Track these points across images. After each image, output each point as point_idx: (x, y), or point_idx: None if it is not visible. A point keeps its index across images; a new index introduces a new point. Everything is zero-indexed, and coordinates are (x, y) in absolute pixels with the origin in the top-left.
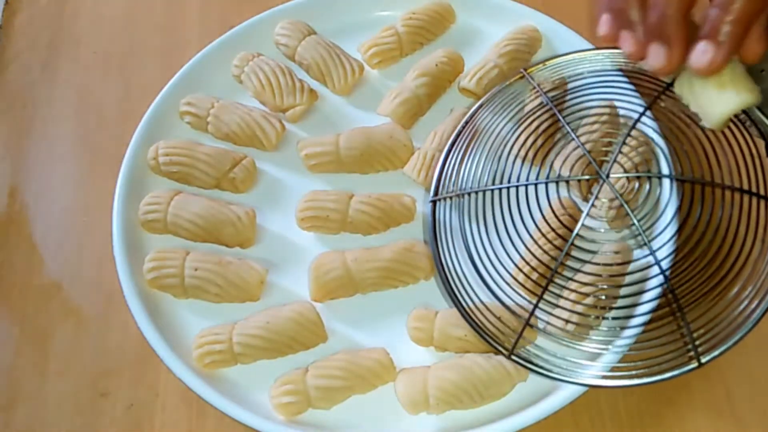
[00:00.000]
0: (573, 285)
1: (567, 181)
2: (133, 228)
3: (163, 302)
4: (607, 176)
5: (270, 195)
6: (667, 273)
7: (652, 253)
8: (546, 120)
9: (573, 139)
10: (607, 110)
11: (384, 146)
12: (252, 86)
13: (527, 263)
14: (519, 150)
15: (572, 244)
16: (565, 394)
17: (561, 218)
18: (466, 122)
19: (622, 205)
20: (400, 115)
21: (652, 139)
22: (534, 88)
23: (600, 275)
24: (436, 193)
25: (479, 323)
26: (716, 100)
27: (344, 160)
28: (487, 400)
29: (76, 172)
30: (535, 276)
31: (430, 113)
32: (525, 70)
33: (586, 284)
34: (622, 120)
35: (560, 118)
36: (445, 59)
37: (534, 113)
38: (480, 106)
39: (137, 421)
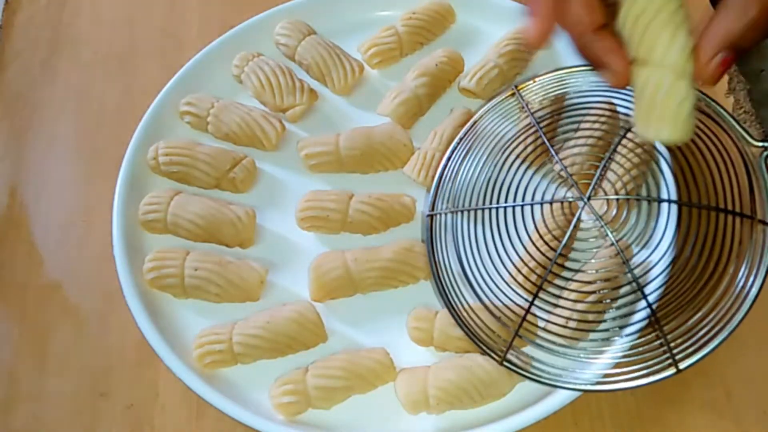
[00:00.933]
0: (557, 300)
1: (551, 203)
2: (133, 228)
3: (163, 302)
4: (589, 198)
5: (270, 195)
6: (645, 290)
7: (630, 271)
8: (537, 139)
9: (557, 162)
10: (595, 127)
11: (384, 146)
12: (252, 86)
13: (514, 278)
14: (509, 169)
15: (556, 262)
16: (565, 394)
17: (545, 238)
18: (461, 138)
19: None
20: (400, 115)
21: (652, 160)
22: (523, 107)
23: (584, 292)
24: (432, 208)
25: (474, 332)
26: (652, 113)
27: (344, 160)
28: (487, 400)
29: (76, 172)
30: (522, 290)
31: (430, 113)
32: (516, 87)
33: (569, 300)
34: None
35: (545, 140)
36: (445, 59)
37: (525, 132)
38: (474, 123)
39: (137, 421)
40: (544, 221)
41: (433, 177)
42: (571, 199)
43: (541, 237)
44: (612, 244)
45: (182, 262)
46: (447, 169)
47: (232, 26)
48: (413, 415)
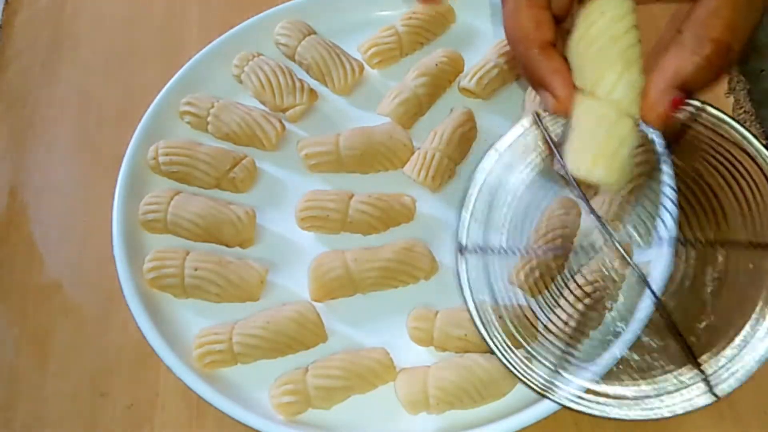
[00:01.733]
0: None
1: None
2: (133, 228)
3: (163, 302)
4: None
5: (270, 195)
6: (678, 327)
7: (663, 308)
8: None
9: (588, 210)
10: None
11: (384, 146)
12: (252, 86)
13: (550, 320)
14: (537, 208)
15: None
16: None
17: (579, 282)
18: (485, 179)
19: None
20: (400, 114)
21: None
22: (547, 141)
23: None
24: (461, 247)
25: (516, 366)
26: (586, 153)
27: (344, 160)
28: (487, 400)
29: (76, 172)
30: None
31: (430, 113)
32: (537, 114)
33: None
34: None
35: (571, 180)
36: (445, 59)
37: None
38: (500, 156)
39: (137, 420)
40: (579, 269)
41: (433, 177)
42: (605, 251)
43: (577, 285)
44: (653, 294)
45: (182, 262)
46: (476, 203)
47: (232, 26)
48: (413, 415)
